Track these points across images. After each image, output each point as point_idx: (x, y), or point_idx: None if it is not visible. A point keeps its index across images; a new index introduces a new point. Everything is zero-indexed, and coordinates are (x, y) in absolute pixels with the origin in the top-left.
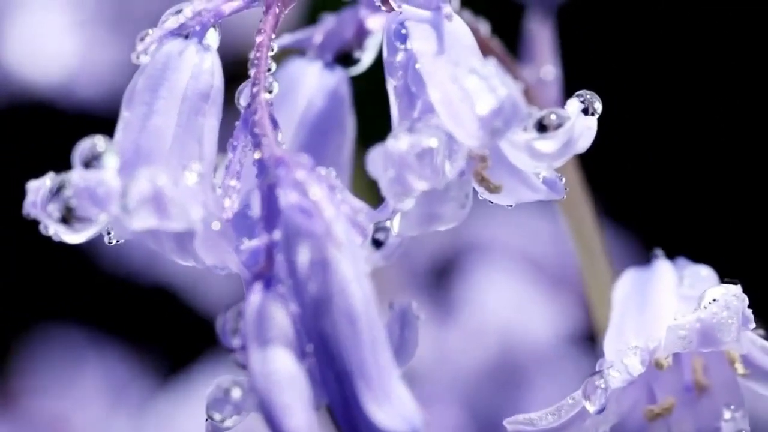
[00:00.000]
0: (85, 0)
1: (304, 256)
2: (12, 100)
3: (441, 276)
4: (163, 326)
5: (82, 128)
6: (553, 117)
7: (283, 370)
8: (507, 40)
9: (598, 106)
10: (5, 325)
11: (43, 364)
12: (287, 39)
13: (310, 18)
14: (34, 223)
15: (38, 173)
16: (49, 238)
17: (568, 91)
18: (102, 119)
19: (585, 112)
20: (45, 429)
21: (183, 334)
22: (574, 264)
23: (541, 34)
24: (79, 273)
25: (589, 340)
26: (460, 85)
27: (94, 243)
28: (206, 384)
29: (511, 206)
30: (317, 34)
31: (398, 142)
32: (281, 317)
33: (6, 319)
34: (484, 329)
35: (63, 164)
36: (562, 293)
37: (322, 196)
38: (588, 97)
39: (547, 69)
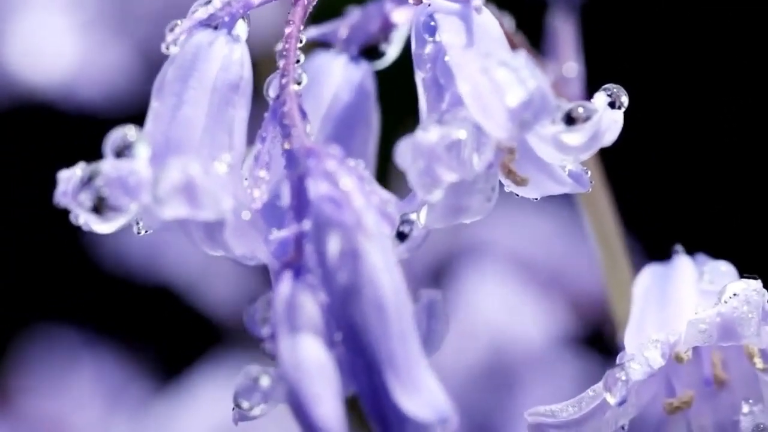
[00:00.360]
0: (86, 1)
1: (334, 246)
2: (13, 102)
3: (435, 277)
4: (162, 326)
5: (84, 130)
6: (581, 110)
7: (313, 359)
8: (530, 36)
9: (625, 100)
10: (3, 325)
11: (41, 364)
12: (313, 32)
13: (326, 11)
14: (34, 223)
15: (40, 175)
16: (48, 238)
17: (591, 88)
18: (104, 120)
19: (612, 105)
20: (42, 429)
21: (183, 335)
22: (573, 265)
23: (564, 31)
24: (79, 273)
25: (579, 342)
26: (489, 77)
27: (94, 242)
28: (206, 385)
29: (536, 199)
30: (343, 27)
31: (428, 133)
32: (311, 307)
33: (4, 318)
34: (476, 331)
35: (65, 165)
36: (555, 296)
37: (352, 186)
38: (615, 90)
39: (570, 66)
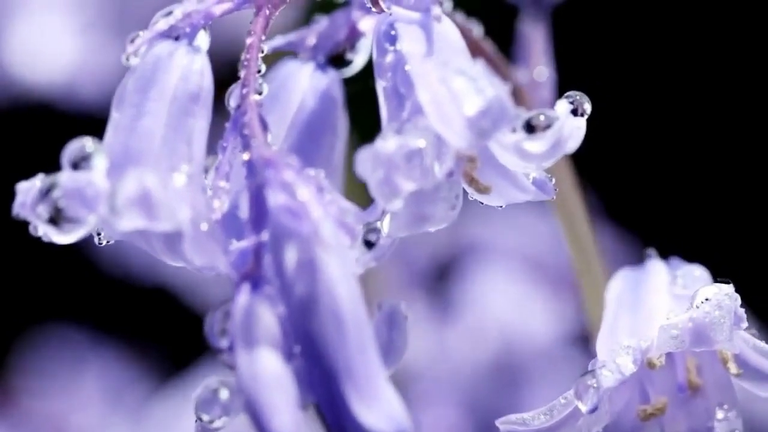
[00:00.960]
0: (86, 2)
1: (291, 256)
2: (13, 102)
3: (440, 276)
4: (162, 327)
5: (83, 130)
6: (541, 118)
7: (270, 371)
8: (500, 41)
9: (588, 106)
10: (5, 326)
11: (43, 365)
12: (280, 41)
13: (305, 20)
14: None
15: (38, 175)
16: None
17: (562, 93)
18: (103, 121)
19: (574, 112)
20: (44, 429)
21: (182, 335)
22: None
23: (535, 36)
24: (79, 274)
25: (586, 340)
26: (447, 87)
27: (94, 244)
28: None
29: (501, 207)
30: (310, 35)
31: (386, 143)
32: (268, 318)
33: (6, 319)
34: (483, 329)
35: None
36: (561, 293)
37: (309, 197)
38: (577, 98)
39: (540, 70)
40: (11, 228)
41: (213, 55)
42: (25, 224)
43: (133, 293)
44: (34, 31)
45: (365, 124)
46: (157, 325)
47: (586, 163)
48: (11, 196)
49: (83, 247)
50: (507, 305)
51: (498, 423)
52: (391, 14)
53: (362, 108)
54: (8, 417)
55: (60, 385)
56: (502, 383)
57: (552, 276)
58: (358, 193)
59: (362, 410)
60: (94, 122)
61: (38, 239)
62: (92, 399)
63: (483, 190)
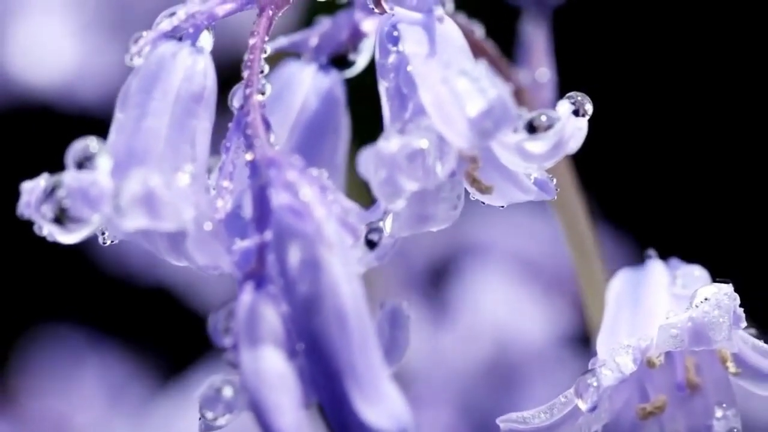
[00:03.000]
0: (85, 3)
1: (294, 256)
2: (13, 103)
3: (436, 277)
4: (162, 327)
5: (83, 131)
6: (543, 118)
7: (273, 369)
8: (502, 42)
9: (589, 107)
10: (5, 326)
11: (43, 365)
12: (283, 41)
13: (307, 21)
14: (33, 224)
15: (38, 176)
16: (48, 239)
17: (563, 94)
18: (102, 122)
19: (576, 113)
20: (45, 429)
21: (182, 336)
22: (568, 264)
23: (537, 37)
24: (79, 274)
25: (583, 341)
26: (450, 87)
27: (94, 244)
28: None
29: (503, 207)
30: (312, 36)
31: (389, 143)
32: (272, 317)
33: (6, 319)
34: (478, 330)
35: (63, 167)
36: (557, 295)
37: (312, 196)
38: (579, 98)
39: (542, 72)
40: (11, 228)
41: (215, 55)
42: (24, 224)
43: (133, 293)
44: (34, 32)
45: (364, 120)
46: (157, 325)
47: (586, 164)
48: (11, 196)
49: (84, 247)
50: (503, 307)
51: (498, 421)
52: (393, 15)
53: (361, 105)
54: (8, 417)
55: (60, 385)
56: (497, 385)
57: (548, 278)
58: (359, 193)
59: (365, 408)
60: (93, 123)
61: (38, 239)
62: (92, 399)
63: (485, 190)
